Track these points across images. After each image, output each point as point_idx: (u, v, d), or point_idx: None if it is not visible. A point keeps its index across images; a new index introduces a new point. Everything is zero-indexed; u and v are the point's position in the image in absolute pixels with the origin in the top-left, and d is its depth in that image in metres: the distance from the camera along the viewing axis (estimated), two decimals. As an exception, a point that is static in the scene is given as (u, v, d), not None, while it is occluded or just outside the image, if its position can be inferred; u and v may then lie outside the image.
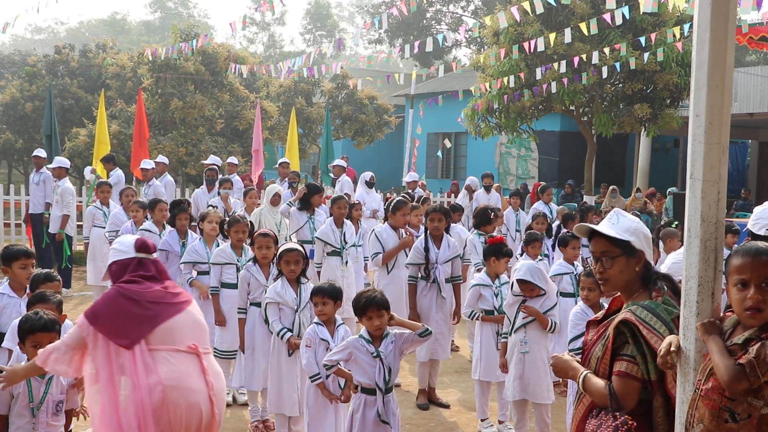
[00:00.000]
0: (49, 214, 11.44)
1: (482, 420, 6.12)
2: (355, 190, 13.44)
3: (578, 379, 2.85)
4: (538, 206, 11.38)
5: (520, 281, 5.43)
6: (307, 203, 8.97)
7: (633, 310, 2.74)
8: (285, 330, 5.28)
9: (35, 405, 3.74)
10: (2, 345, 4.53)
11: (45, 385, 3.80)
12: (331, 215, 8.18)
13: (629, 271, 2.84)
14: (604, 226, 2.88)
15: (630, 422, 2.62)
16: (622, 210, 3.27)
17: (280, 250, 5.43)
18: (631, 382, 2.67)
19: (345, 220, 8.10)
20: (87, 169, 14.58)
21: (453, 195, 17.42)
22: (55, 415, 3.81)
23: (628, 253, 2.84)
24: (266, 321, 5.42)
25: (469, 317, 6.21)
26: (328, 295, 4.80)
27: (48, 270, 4.73)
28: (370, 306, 4.35)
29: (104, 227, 9.53)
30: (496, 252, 6.09)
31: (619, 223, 2.88)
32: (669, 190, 18.12)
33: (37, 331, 3.74)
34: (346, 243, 7.91)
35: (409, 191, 13.96)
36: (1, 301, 4.78)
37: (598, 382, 2.76)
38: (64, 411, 3.88)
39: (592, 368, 2.83)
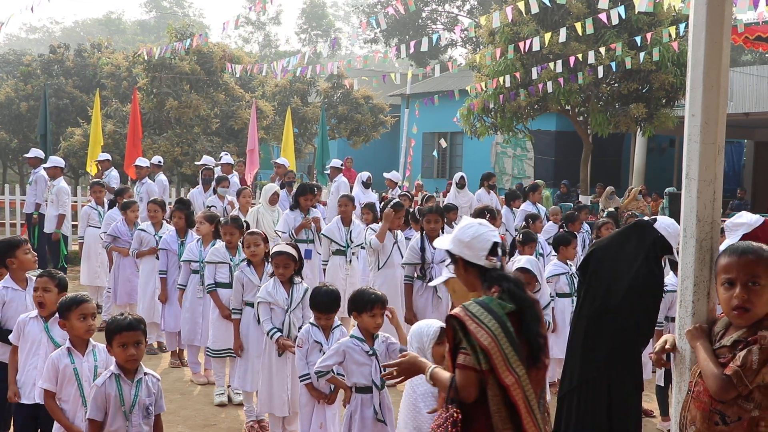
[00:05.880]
0: (38, 214, 11.40)
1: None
2: (351, 191, 13.42)
3: (426, 374, 2.96)
4: (526, 207, 11.29)
5: (520, 270, 5.37)
6: (297, 203, 8.98)
7: (467, 305, 2.82)
8: (275, 330, 5.27)
9: (127, 408, 3.73)
10: (9, 338, 4.56)
11: (134, 388, 3.78)
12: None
13: None
14: None
15: (456, 414, 2.75)
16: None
17: (271, 252, 5.42)
18: (468, 373, 2.75)
19: (354, 219, 8.12)
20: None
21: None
22: (145, 418, 3.79)
23: None
24: (259, 321, 5.42)
25: None
26: (331, 310, 4.73)
27: (43, 269, 4.75)
28: (378, 303, 4.34)
29: (99, 227, 9.50)
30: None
31: None
32: (666, 190, 18.07)
33: (123, 330, 3.70)
34: (352, 242, 7.93)
35: (390, 190, 13.88)
36: (6, 295, 4.80)
37: (444, 376, 2.87)
38: (154, 415, 3.86)
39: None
